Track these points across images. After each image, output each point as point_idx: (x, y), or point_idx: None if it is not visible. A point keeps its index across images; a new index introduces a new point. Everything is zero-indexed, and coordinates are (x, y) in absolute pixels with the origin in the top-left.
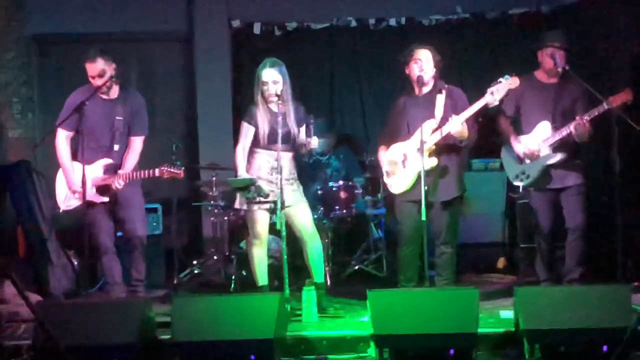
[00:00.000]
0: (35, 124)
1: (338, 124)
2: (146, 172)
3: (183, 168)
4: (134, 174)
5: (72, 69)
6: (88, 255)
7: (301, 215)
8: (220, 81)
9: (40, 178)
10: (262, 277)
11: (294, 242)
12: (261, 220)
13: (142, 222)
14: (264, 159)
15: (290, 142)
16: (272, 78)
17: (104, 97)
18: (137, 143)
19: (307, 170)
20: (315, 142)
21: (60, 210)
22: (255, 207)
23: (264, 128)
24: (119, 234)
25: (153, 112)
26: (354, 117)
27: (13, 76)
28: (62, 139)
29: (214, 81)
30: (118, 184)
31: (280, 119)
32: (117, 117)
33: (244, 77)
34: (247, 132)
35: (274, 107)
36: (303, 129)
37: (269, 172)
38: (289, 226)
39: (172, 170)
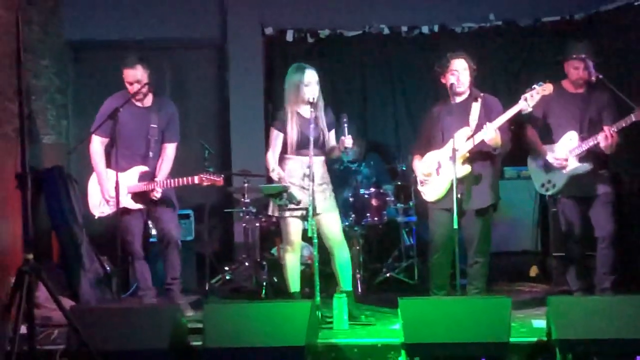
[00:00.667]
0: (70, 130)
1: (369, 131)
2: (185, 179)
3: (222, 175)
4: (172, 181)
5: (107, 76)
6: (120, 261)
7: (330, 223)
8: (252, 88)
9: (73, 184)
10: (294, 284)
11: (326, 249)
12: (294, 227)
13: (177, 224)
14: (296, 165)
15: (321, 147)
16: (315, 79)
17: (139, 104)
18: (170, 150)
19: (338, 177)
20: (349, 142)
21: (94, 217)
22: (288, 214)
23: (294, 133)
24: (152, 239)
25: (185, 119)
26: (385, 125)
27: (48, 83)
28: (97, 145)
29: (246, 88)
30: (157, 192)
31: (312, 124)
32: (152, 125)
33: (276, 84)
34: (276, 138)
35: (303, 112)
36: (333, 133)
37: (301, 178)
38: (319, 233)
39: (211, 177)
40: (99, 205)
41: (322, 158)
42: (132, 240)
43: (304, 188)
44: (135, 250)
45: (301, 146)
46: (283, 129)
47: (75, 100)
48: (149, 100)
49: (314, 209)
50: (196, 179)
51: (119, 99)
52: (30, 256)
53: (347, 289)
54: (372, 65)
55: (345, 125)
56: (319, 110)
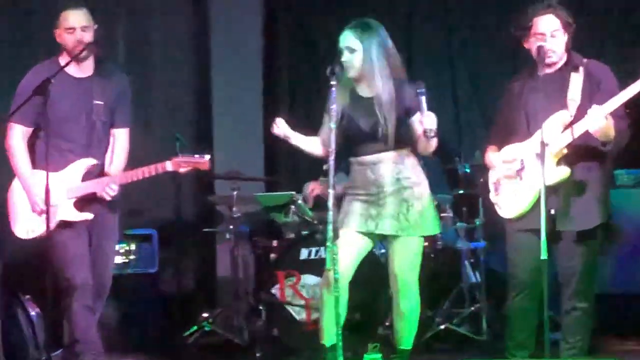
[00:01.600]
0: None
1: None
2: (152, 167)
3: (209, 156)
4: (134, 173)
5: (33, 30)
6: (51, 302)
7: (402, 254)
8: (244, 52)
9: None
10: (329, 334)
11: (358, 287)
12: (345, 249)
13: (113, 258)
14: (358, 167)
15: (382, 139)
16: (346, 43)
17: (74, 72)
18: (123, 138)
19: None
20: (431, 121)
21: (20, 238)
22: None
23: (334, 115)
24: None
25: (146, 97)
26: (441, 107)
27: None
28: (18, 137)
29: (236, 52)
30: (110, 189)
31: (332, 107)
32: (96, 102)
33: (280, 45)
34: (323, 128)
35: (361, 90)
36: (417, 117)
37: (360, 185)
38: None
39: (191, 159)
40: (26, 220)
41: (402, 152)
42: (72, 266)
43: (370, 195)
44: (78, 282)
45: (351, 140)
46: (329, 111)
47: None
48: (88, 67)
49: (336, 230)
50: (169, 165)
51: (45, 69)
52: None
53: (406, 347)
54: (420, 16)
55: (423, 97)
56: (374, 85)
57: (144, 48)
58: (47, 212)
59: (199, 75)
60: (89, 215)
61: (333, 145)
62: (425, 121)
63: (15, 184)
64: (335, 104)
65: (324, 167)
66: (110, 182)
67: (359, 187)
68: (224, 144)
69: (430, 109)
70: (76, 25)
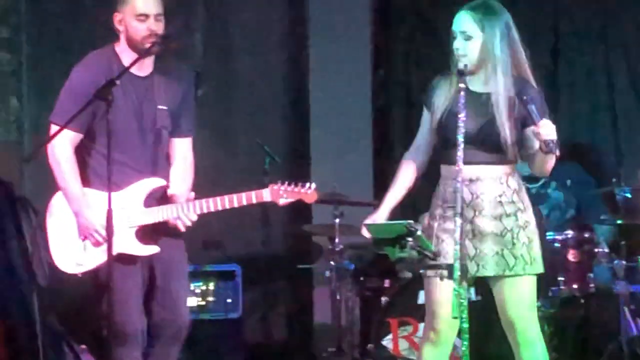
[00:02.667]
0: (24, 117)
1: (563, 123)
2: (244, 196)
3: (314, 186)
4: (219, 200)
5: (85, 20)
6: (109, 348)
7: (519, 294)
8: (351, 42)
9: (30, 215)
10: None
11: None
12: (442, 296)
13: (186, 298)
14: (447, 179)
15: (496, 148)
16: (461, 27)
17: (134, 71)
18: (186, 148)
19: None
20: (549, 130)
21: (67, 274)
22: (432, 272)
23: (437, 114)
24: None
25: (228, 101)
26: (594, 111)
27: None
28: (66, 146)
29: (340, 43)
30: (187, 217)
31: (460, 115)
32: (160, 107)
33: (396, 33)
34: (423, 121)
35: (473, 82)
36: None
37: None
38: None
39: (294, 190)
40: (75, 252)
41: (506, 169)
42: (124, 315)
43: (464, 220)
44: (128, 333)
45: (450, 142)
46: (430, 106)
47: (34, 64)
48: (148, 63)
49: (464, 267)
50: (267, 194)
51: (100, 61)
52: None
53: None
54: (571, 4)
55: (532, 106)
56: (495, 81)
57: (225, 41)
58: (110, 244)
59: (293, 76)
60: (154, 249)
61: (461, 163)
62: (542, 131)
63: (56, 203)
64: (437, 98)
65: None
66: (189, 209)
67: (450, 208)
68: (324, 160)
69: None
70: (150, 12)
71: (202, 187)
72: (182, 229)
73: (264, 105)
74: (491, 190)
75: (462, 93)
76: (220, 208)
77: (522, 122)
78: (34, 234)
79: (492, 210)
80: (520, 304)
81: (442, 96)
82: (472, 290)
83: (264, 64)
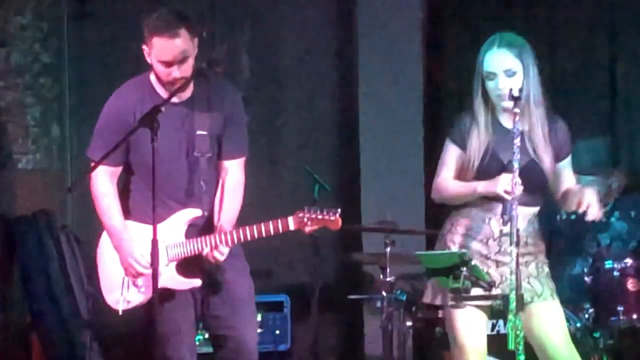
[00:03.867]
0: (67, 145)
1: (624, 146)
2: (269, 225)
3: (339, 211)
4: (247, 230)
5: (125, 43)
6: None
7: (547, 323)
8: (402, 65)
9: (73, 246)
10: None
11: None
12: (474, 328)
13: (254, 325)
14: (477, 214)
15: (535, 187)
16: (504, 66)
17: (173, 99)
18: (236, 170)
19: (561, 238)
20: (592, 197)
21: (115, 311)
22: (467, 303)
23: (477, 155)
24: (202, 348)
25: (276, 126)
26: None
27: (27, 56)
28: (106, 181)
29: (391, 65)
30: (219, 252)
31: (515, 141)
32: (199, 132)
33: (448, 48)
34: (451, 158)
35: (506, 121)
36: (568, 162)
37: (484, 241)
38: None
39: (318, 216)
40: (121, 288)
41: (533, 209)
42: (175, 346)
43: (486, 259)
44: None
45: (488, 178)
46: (463, 145)
47: (78, 89)
48: (188, 88)
49: (521, 298)
50: (292, 223)
51: (136, 92)
52: None
53: None
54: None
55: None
56: (530, 117)
57: (272, 62)
58: (155, 272)
59: (342, 99)
60: (195, 282)
61: (516, 190)
62: (585, 200)
63: (105, 241)
64: (473, 138)
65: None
66: (221, 242)
67: (477, 241)
68: (374, 187)
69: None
70: (173, 59)
71: (248, 217)
72: (213, 262)
73: (312, 131)
74: (526, 227)
75: (517, 118)
76: (248, 238)
77: (557, 155)
78: (77, 265)
79: (525, 244)
80: (557, 329)
81: (475, 138)
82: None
83: (312, 87)
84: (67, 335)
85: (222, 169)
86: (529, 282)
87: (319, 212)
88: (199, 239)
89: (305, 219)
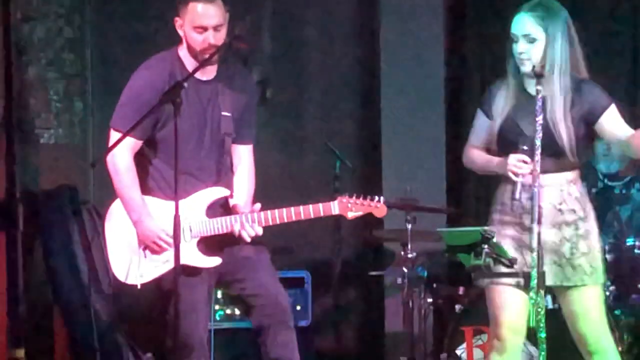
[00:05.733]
0: (90, 120)
1: None
2: (311, 208)
3: (383, 199)
4: (285, 213)
5: (148, 18)
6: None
7: (585, 306)
8: (423, 40)
9: (95, 222)
10: None
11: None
12: (511, 304)
13: (281, 286)
14: (509, 187)
15: (557, 153)
16: (524, 30)
17: (198, 75)
18: (247, 155)
19: None
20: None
21: (129, 285)
22: (502, 279)
23: (499, 119)
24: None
25: (297, 103)
26: None
27: (50, 31)
28: (128, 154)
29: (412, 41)
30: (252, 228)
31: (538, 119)
32: (224, 113)
33: (469, 29)
34: (479, 126)
35: (529, 85)
36: (608, 118)
37: (518, 213)
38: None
39: (362, 202)
40: (135, 262)
41: (568, 175)
42: (193, 323)
43: (522, 229)
44: (197, 340)
45: (508, 147)
46: (489, 112)
47: (99, 65)
48: (211, 69)
49: (542, 275)
50: (335, 208)
51: (164, 66)
52: (21, 353)
53: None
54: None
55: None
56: (553, 84)
57: (294, 40)
58: (177, 251)
59: (364, 76)
60: (216, 261)
61: (537, 167)
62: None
63: (115, 211)
64: (496, 105)
65: (516, 194)
66: (254, 219)
67: (507, 215)
68: (395, 163)
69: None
70: (209, 24)
71: (270, 192)
72: (247, 240)
73: (333, 107)
74: (551, 198)
75: (540, 96)
76: (285, 220)
77: (586, 120)
78: (99, 240)
79: (551, 218)
80: (588, 316)
81: (501, 102)
82: (549, 298)
83: (334, 64)
84: (89, 310)
85: (236, 153)
86: (560, 265)
87: (362, 198)
88: (228, 218)
89: (350, 205)
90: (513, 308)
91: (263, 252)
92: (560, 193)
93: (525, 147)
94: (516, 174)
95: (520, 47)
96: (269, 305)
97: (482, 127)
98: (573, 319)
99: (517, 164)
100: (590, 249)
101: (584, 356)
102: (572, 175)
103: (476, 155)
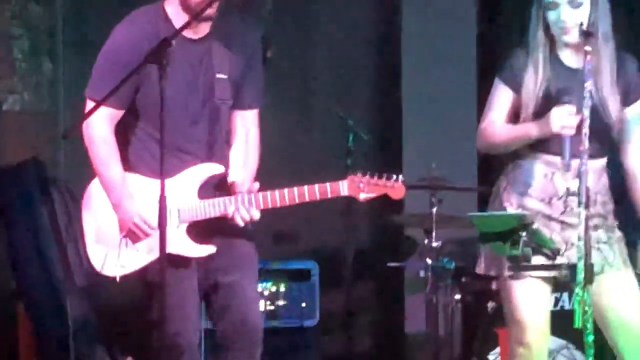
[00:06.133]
0: (61, 85)
1: None
2: (316, 189)
3: (401, 178)
4: (287, 194)
5: None
6: None
7: (618, 296)
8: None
9: (67, 202)
10: None
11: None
12: (535, 302)
13: (258, 300)
14: (538, 169)
15: (601, 135)
16: None
17: (187, 33)
18: (250, 122)
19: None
20: None
21: (107, 277)
22: (527, 273)
23: (534, 97)
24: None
25: (305, 68)
26: None
27: None
28: (105, 125)
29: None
30: (249, 213)
31: (587, 84)
32: (219, 75)
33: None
34: (502, 101)
35: (568, 58)
36: (636, 114)
37: (546, 200)
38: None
39: (377, 181)
40: (114, 251)
41: (600, 163)
42: (178, 324)
43: (551, 220)
44: (183, 345)
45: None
46: (516, 86)
47: (74, 19)
48: (204, 25)
49: (591, 267)
50: (344, 188)
51: (148, 23)
52: None
53: None
54: None
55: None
56: (600, 54)
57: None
58: (162, 238)
59: (383, 35)
60: (209, 249)
61: (586, 141)
62: None
63: (94, 193)
64: (527, 77)
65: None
66: (251, 201)
67: (539, 200)
68: (418, 136)
69: None
70: None
71: (276, 170)
72: (241, 224)
73: (347, 72)
74: (592, 185)
75: (588, 57)
76: (288, 203)
77: (625, 98)
78: (72, 224)
79: (598, 206)
80: (631, 303)
81: (531, 75)
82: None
83: (348, 21)
84: (58, 304)
85: (237, 120)
86: (598, 249)
87: (377, 176)
88: (222, 200)
89: (362, 185)
90: (540, 307)
91: (254, 252)
92: (597, 182)
93: (570, 98)
94: (566, 128)
95: (564, 14)
96: (241, 325)
97: (505, 101)
98: (610, 305)
99: (564, 115)
100: (620, 237)
101: (620, 352)
102: (605, 161)
103: (504, 129)
